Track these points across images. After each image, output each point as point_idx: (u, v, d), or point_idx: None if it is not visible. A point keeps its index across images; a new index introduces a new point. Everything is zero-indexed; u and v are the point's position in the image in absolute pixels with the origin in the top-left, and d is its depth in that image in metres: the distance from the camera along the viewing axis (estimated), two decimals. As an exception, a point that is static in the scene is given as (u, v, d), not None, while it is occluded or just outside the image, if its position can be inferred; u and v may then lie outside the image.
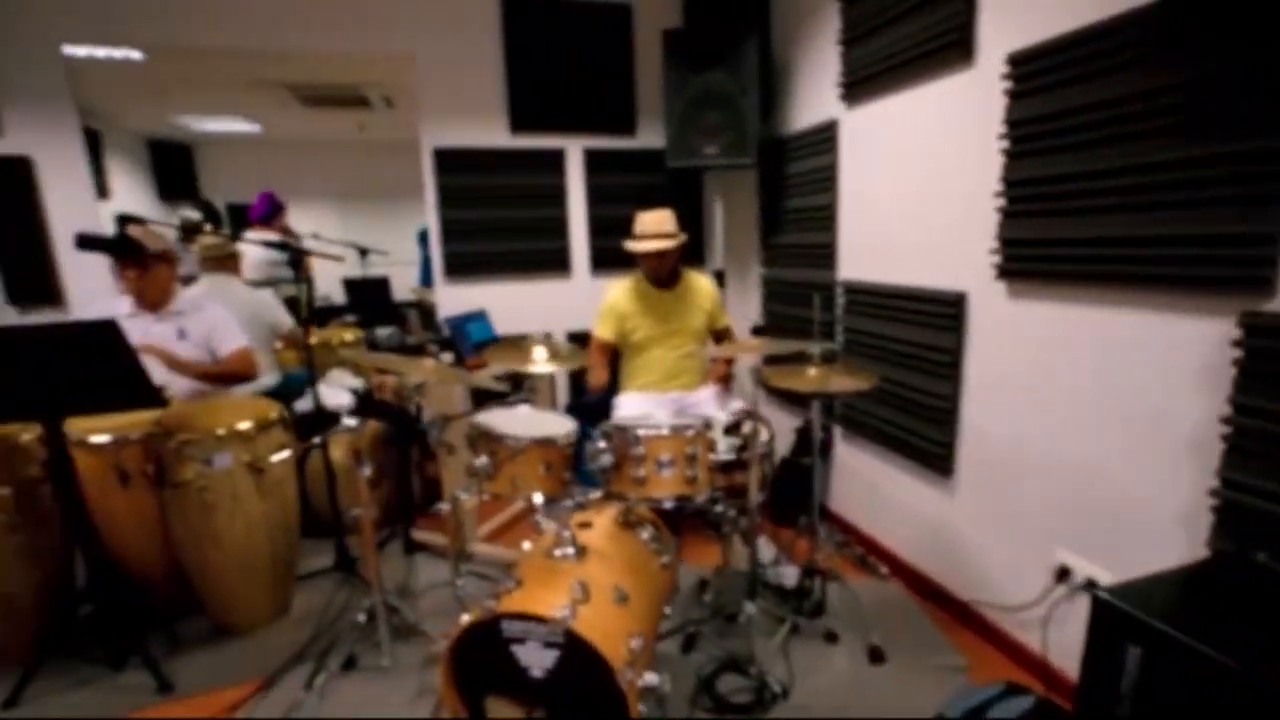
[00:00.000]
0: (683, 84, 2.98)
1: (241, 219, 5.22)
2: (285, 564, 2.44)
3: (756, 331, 3.43)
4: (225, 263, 3.23)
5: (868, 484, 2.75)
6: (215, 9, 2.98)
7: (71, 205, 3.00)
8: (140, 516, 2.29)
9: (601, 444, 1.84)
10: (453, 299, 3.43)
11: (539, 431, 1.83)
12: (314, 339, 2.89)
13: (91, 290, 3.05)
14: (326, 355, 3.87)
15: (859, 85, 2.55)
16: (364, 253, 4.35)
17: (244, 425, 2.23)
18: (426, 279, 5.66)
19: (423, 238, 6.04)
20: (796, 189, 3.02)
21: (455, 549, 2.12)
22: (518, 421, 1.91)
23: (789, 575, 2.38)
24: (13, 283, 2.96)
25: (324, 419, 2.58)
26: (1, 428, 2.13)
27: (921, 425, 2.37)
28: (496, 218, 3.46)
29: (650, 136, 3.50)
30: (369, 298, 5.19)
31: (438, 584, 2.58)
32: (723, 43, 2.92)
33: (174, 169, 6.61)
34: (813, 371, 2.03)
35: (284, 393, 3.03)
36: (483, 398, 2.80)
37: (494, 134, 3.38)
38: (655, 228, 2.66)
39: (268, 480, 2.28)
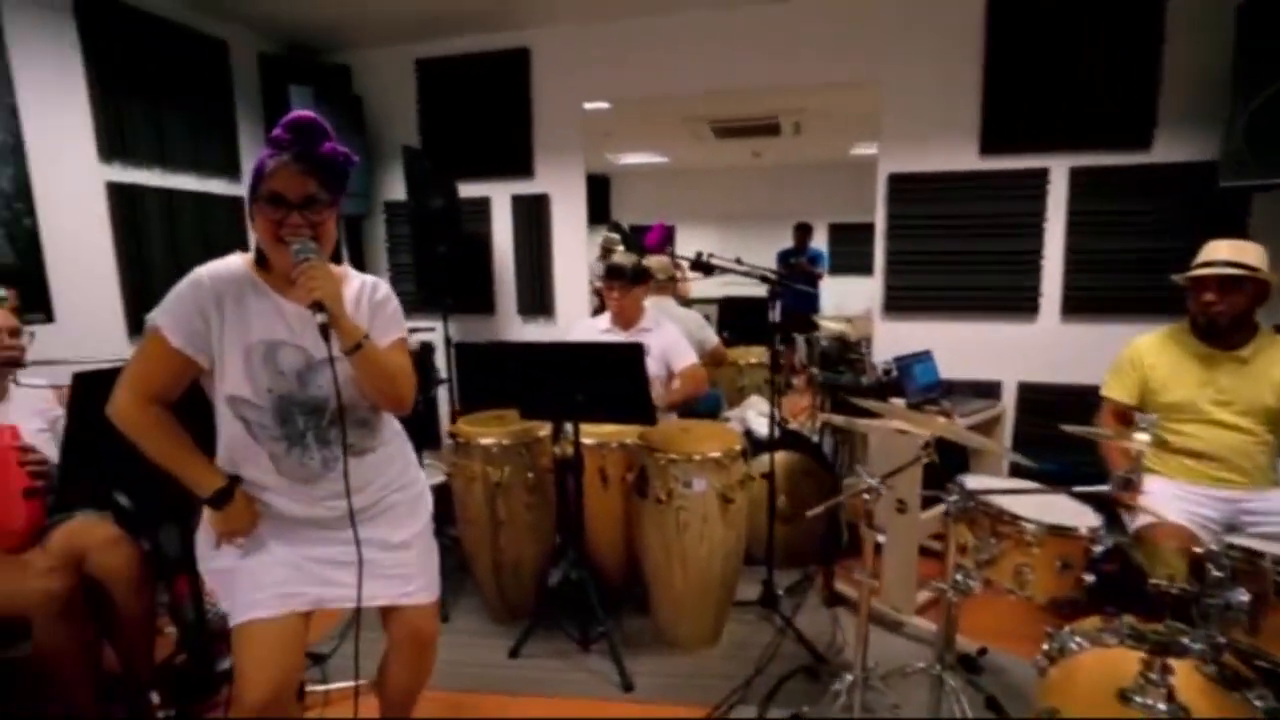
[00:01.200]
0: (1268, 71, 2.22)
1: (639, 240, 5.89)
2: (728, 592, 2.45)
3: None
4: (667, 286, 3.49)
5: None
6: (678, 62, 3.27)
7: (568, 232, 3.56)
8: (611, 515, 2.55)
9: (1221, 572, 1.34)
10: (889, 336, 3.17)
11: (1053, 517, 1.56)
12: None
13: (568, 309, 3.59)
14: (734, 375, 3.98)
15: None
16: (781, 280, 4.37)
17: (716, 453, 2.28)
18: (811, 305, 5.52)
19: (783, 257, 6.11)
20: None
21: (942, 644, 1.81)
22: (1023, 501, 1.62)
23: None
24: (524, 297, 3.62)
25: (754, 445, 2.56)
26: (529, 423, 2.53)
27: None
28: (949, 250, 3.09)
29: (1173, 149, 2.75)
30: (745, 318, 5.27)
31: (896, 662, 2.11)
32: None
33: (597, 198, 7.77)
34: None
35: (707, 413, 3.15)
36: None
37: (959, 157, 3.03)
38: (1230, 255, 1.99)
39: (732, 509, 2.30)
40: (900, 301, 3.17)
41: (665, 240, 4.58)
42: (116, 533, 1.93)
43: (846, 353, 3.16)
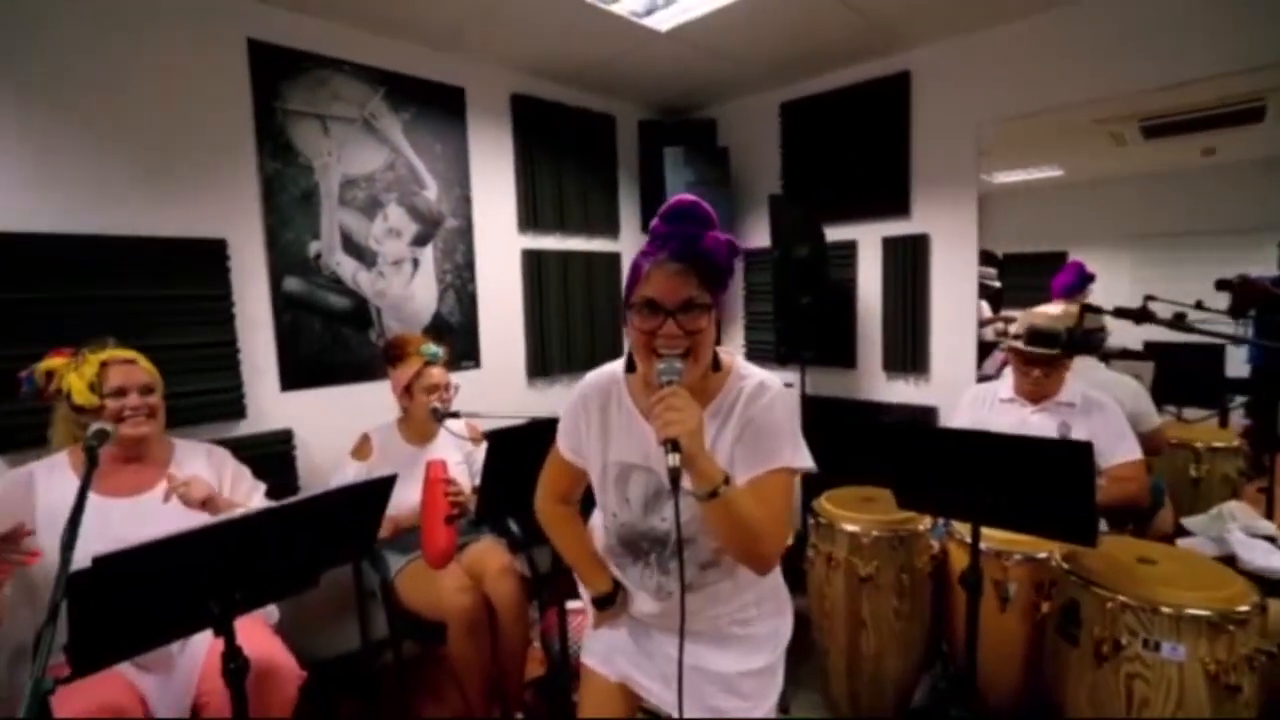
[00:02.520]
0: None
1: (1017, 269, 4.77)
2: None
3: None
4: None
5: None
6: (1105, 55, 2.45)
7: (951, 277, 3.03)
8: (1008, 645, 1.99)
9: None
10: None
11: None
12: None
13: (946, 369, 3.03)
14: (1184, 461, 2.88)
15: None
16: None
17: (1207, 609, 1.54)
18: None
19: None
20: None
21: None
22: None
23: None
24: (892, 351, 3.18)
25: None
26: (907, 513, 2.11)
27: None
28: None
29: None
30: (1184, 372, 3.85)
31: None
32: None
33: (960, 223, 6.78)
34: None
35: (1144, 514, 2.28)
36: None
37: None
38: None
39: (1237, 700, 1.53)
40: None
41: (1080, 285, 3.62)
42: (508, 560, 2.19)
43: None
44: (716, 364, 1.14)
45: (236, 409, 2.33)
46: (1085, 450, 1.54)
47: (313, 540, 1.47)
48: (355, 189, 2.60)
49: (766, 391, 1.12)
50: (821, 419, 3.42)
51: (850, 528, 2.15)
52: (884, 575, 2.11)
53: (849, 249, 3.28)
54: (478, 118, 3.00)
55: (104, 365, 1.63)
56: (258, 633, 1.79)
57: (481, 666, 2.10)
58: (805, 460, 1.12)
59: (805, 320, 2.96)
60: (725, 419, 1.12)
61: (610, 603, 1.32)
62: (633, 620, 1.35)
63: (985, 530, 1.95)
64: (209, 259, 2.25)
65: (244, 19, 2.31)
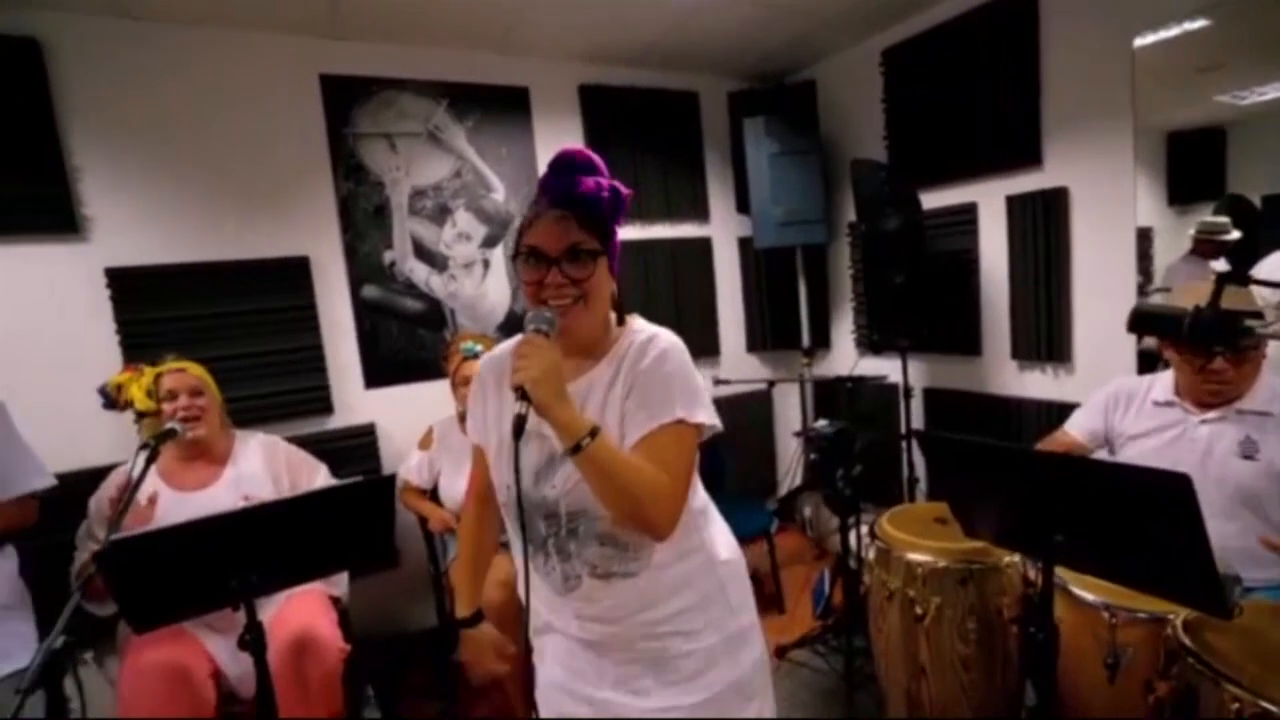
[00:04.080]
0: None
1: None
2: None
3: None
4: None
5: None
6: None
7: (1098, 240, 2.39)
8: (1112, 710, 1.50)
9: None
10: None
11: None
12: None
13: (1093, 358, 2.40)
14: None
15: None
16: None
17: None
18: None
19: None
20: None
21: None
22: None
23: None
24: (1023, 335, 2.61)
25: None
26: (981, 545, 1.71)
27: None
28: None
29: None
30: None
31: None
32: None
33: (1192, 163, 5.35)
34: None
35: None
36: None
37: None
38: None
39: None
40: None
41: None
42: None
43: None
44: (621, 319, 1.10)
45: (324, 406, 2.62)
46: (1183, 486, 1.09)
47: (317, 533, 1.60)
48: (424, 199, 2.77)
49: (656, 344, 1.04)
50: (938, 416, 2.94)
51: (913, 556, 1.80)
52: (947, 615, 1.74)
53: (967, 213, 2.74)
54: (544, 115, 3.01)
55: (159, 375, 1.93)
56: (312, 606, 1.98)
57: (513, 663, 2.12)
58: (705, 416, 1.02)
59: (899, 302, 2.54)
60: (616, 375, 1.04)
61: (461, 628, 1.19)
62: (564, 673, 1.13)
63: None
64: (295, 274, 2.55)
65: (315, 57, 2.55)
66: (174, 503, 1.91)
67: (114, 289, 2.28)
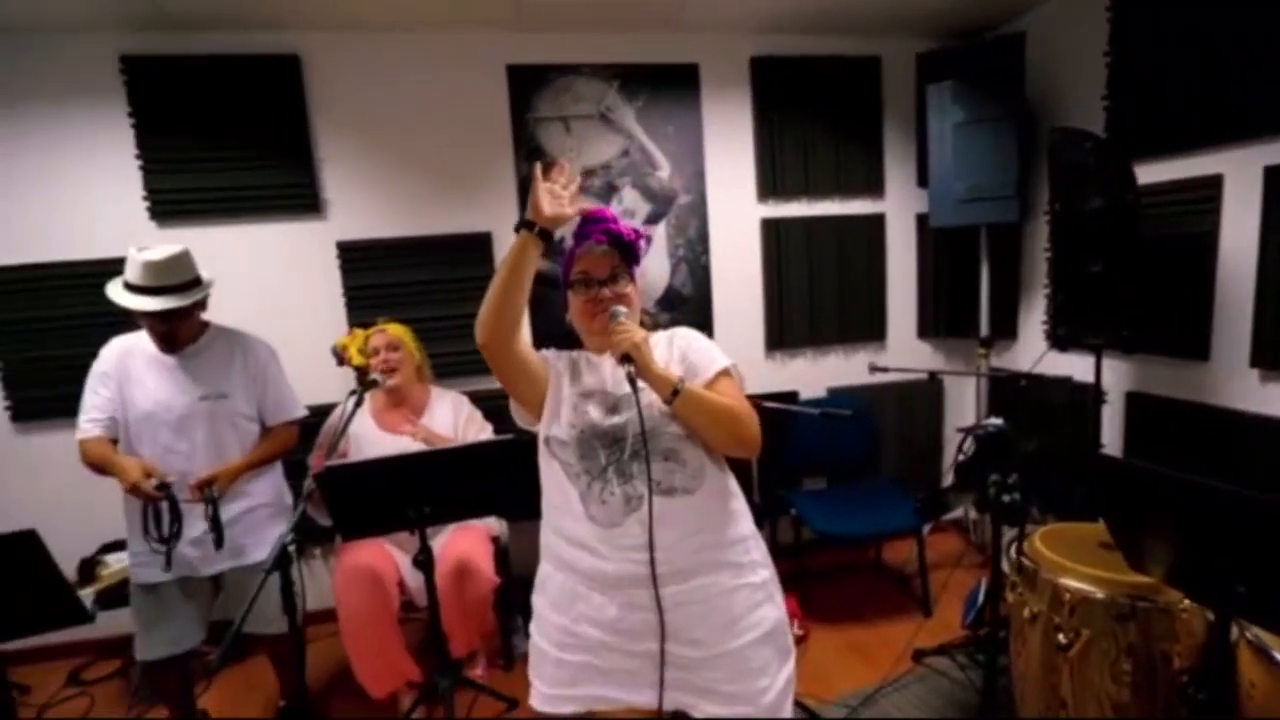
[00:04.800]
0: None
1: None
2: None
3: None
4: None
5: None
6: None
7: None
8: None
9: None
10: None
11: None
12: None
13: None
14: None
15: None
16: None
17: None
18: None
19: None
20: None
21: None
22: None
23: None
24: (1271, 338, 2.15)
25: None
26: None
27: None
28: None
29: None
30: None
31: None
32: None
33: None
34: None
35: None
36: None
37: None
38: None
39: None
40: None
41: None
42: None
43: None
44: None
45: (499, 366, 2.96)
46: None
47: (475, 480, 1.89)
48: (593, 178, 2.95)
49: (679, 328, 1.39)
50: (1143, 427, 2.54)
51: (1065, 581, 1.63)
52: (1098, 651, 1.56)
53: (1207, 188, 2.27)
54: (712, 91, 3.02)
55: (368, 336, 2.34)
56: (473, 540, 2.33)
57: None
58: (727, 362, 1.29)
59: (1097, 293, 2.21)
60: (668, 349, 1.33)
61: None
62: (592, 625, 1.23)
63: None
64: (478, 247, 2.89)
65: (503, 49, 2.82)
66: (376, 439, 2.34)
67: (343, 259, 2.79)
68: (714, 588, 1.22)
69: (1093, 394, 2.39)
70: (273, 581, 1.47)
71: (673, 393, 1.15)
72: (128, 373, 1.90)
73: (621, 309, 1.23)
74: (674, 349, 1.32)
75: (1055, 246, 2.35)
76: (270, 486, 2.10)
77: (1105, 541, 1.70)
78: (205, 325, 1.99)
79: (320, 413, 2.55)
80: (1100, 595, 1.56)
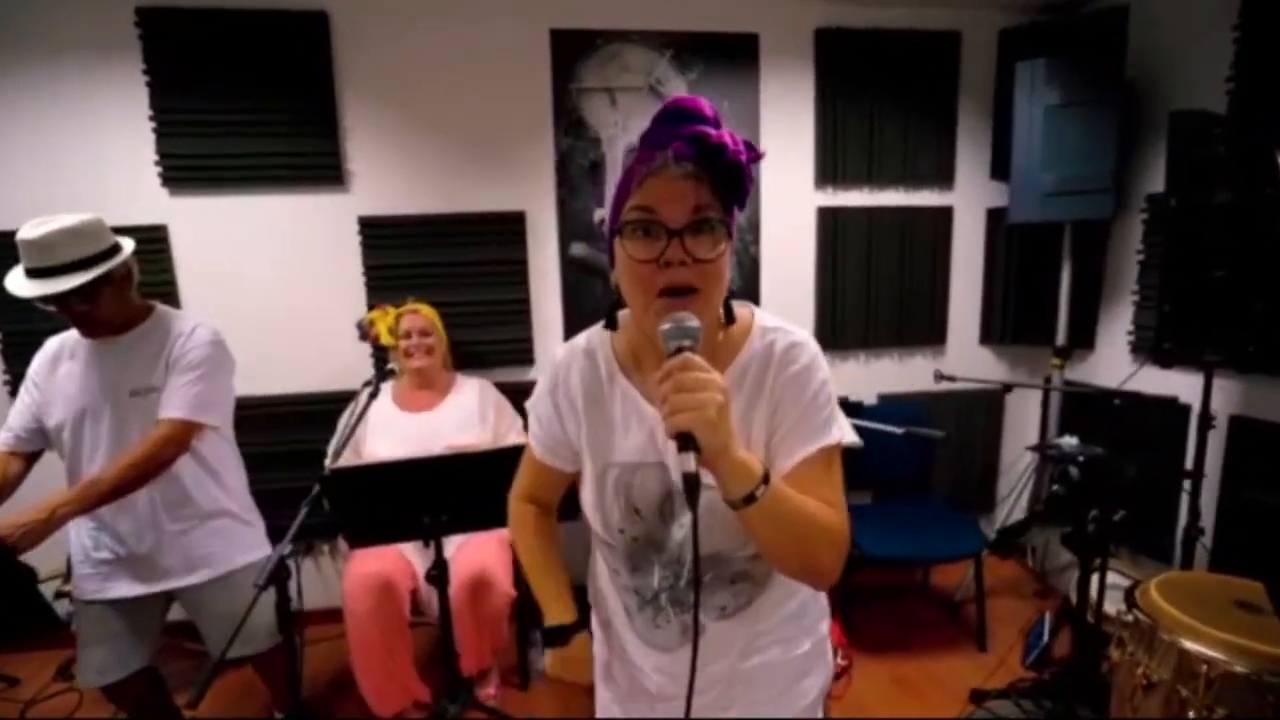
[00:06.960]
0: None
1: None
2: None
3: None
4: None
5: None
6: None
7: None
8: None
9: None
10: None
11: None
12: None
13: None
14: None
15: None
16: None
17: None
18: None
19: None
20: None
21: None
22: None
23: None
24: None
25: None
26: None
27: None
28: None
29: None
30: None
31: None
32: None
33: None
34: None
35: None
36: None
37: None
38: None
39: None
40: None
41: None
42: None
43: None
44: (730, 315, 0.86)
45: (527, 357, 2.74)
46: None
47: (496, 486, 1.68)
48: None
49: (804, 350, 0.84)
50: (1253, 457, 2.24)
51: (1183, 641, 1.37)
52: (1238, 734, 1.30)
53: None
54: (772, 65, 2.75)
55: (399, 316, 2.15)
56: (489, 548, 2.12)
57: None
58: (849, 433, 0.96)
59: (1217, 302, 1.92)
60: (755, 390, 0.84)
61: (565, 639, 0.96)
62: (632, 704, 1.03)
63: None
64: (510, 228, 2.66)
65: (547, 11, 2.57)
66: (400, 421, 2.17)
67: (364, 235, 2.58)
68: (751, 682, 0.96)
69: (1198, 417, 2.10)
70: (263, 598, 1.29)
71: (747, 497, 0.71)
72: (56, 370, 1.65)
73: (689, 323, 0.72)
74: (765, 397, 0.83)
75: (1168, 248, 2.05)
76: (218, 492, 1.77)
77: (1244, 600, 1.44)
78: (149, 309, 1.68)
79: (319, 400, 2.40)
80: (1245, 670, 1.29)
